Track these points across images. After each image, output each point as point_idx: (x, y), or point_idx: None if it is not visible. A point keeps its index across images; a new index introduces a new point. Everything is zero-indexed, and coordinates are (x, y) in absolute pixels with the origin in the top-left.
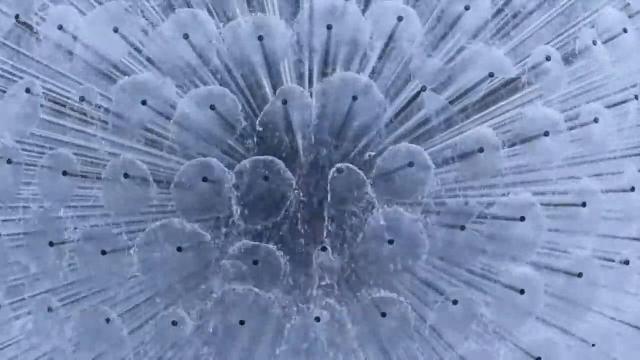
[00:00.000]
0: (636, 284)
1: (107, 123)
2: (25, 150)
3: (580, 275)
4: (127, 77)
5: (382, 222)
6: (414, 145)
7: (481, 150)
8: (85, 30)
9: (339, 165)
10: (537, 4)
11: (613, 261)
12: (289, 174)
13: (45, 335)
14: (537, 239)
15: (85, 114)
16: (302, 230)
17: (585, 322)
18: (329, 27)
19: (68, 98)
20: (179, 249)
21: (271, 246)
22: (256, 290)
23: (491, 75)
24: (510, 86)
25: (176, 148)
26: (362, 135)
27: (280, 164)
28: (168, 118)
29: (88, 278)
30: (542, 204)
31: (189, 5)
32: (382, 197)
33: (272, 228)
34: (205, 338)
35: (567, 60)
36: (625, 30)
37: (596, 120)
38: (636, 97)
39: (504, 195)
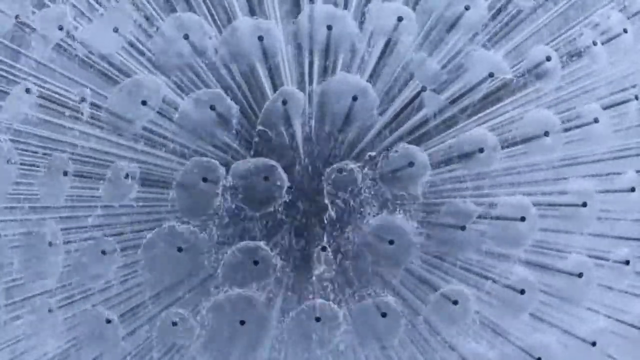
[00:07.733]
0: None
1: (105, 122)
2: (25, 150)
3: (580, 275)
4: (126, 76)
5: (382, 222)
6: (412, 146)
7: (481, 150)
8: (83, 29)
9: (338, 165)
10: (537, 4)
11: (608, 260)
12: (282, 176)
13: (45, 336)
14: (528, 237)
15: (82, 114)
16: (302, 231)
17: (582, 321)
18: (329, 28)
19: (67, 98)
20: (179, 249)
21: (271, 247)
22: (256, 290)
23: (491, 75)
24: (510, 86)
25: (174, 147)
26: (361, 135)
27: (277, 165)
28: (167, 117)
29: (88, 278)
30: (539, 204)
31: (189, 5)
32: (381, 197)
33: (272, 228)
34: (204, 338)
35: (567, 60)
36: (625, 31)
37: (596, 121)
38: (636, 98)
39: (503, 195)
